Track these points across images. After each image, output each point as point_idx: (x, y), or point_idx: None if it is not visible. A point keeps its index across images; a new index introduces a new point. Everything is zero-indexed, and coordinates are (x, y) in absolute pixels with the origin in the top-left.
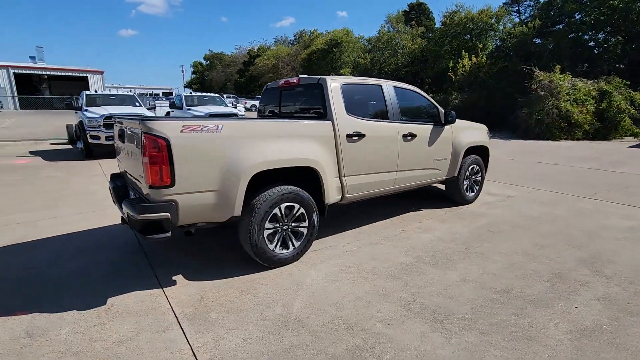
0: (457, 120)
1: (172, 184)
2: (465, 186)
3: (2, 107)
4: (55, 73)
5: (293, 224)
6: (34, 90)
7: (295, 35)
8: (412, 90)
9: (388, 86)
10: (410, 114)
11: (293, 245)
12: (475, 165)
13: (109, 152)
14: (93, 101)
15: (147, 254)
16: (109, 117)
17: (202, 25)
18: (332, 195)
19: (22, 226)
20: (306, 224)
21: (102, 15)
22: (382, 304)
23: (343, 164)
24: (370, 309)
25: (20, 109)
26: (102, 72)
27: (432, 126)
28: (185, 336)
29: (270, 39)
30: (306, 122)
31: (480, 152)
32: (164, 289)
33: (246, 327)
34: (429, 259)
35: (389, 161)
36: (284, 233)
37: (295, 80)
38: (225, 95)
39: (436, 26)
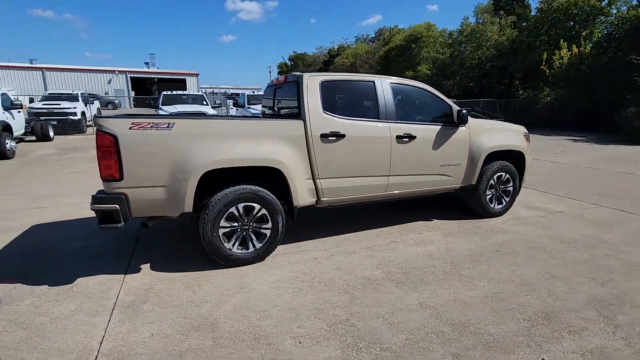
0: (481, 119)
1: (121, 178)
2: (488, 196)
3: (120, 105)
4: (161, 76)
5: (255, 225)
6: (147, 91)
7: (375, 33)
8: (418, 87)
9: (383, 83)
10: (412, 113)
11: (254, 246)
12: (503, 173)
13: None
14: (169, 100)
15: (137, 241)
16: (176, 114)
17: (293, 28)
18: (303, 197)
19: (68, 207)
20: (269, 225)
21: (207, 23)
22: (310, 319)
23: (317, 165)
24: (293, 323)
25: (135, 107)
26: (197, 75)
27: (439, 127)
28: (108, 323)
29: (352, 38)
30: (274, 121)
31: (513, 158)
32: (127, 275)
33: (163, 323)
34: (399, 276)
35: (378, 164)
36: (244, 233)
37: (283, 78)
38: None
39: (531, 14)
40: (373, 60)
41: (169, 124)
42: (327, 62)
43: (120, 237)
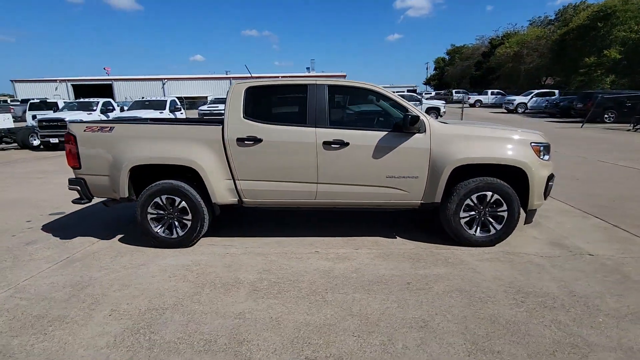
0: (463, 124)
1: (80, 167)
2: (464, 220)
3: None
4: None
5: (178, 215)
6: None
7: (556, 13)
8: (365, 89)
9: (318, 87)
10: (351, 117)
11: (177, 233)
12: (489, 193)
13: None
14: None
15: (130, 223)
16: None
17: (464, 18)
18: (222, 196)
19: None
20: (189, 217)
21: (375, 24)
22: (143, 300)
23: (235, 167)
24: (128, 299)
25: None
26: (344, 76)
27: (384, 133)
28: (43, 268)
29: (523, 23)
30: (195, 126)
31: (510, 174)
32: (98, 241)
33: (64, 276)
34: (265, 284)
35: (301, 170)
36: (170, 221)
37: None
38: (454, 91)
39: None
40: (544, 47)
41: (110, 127)
42: (487, 54)
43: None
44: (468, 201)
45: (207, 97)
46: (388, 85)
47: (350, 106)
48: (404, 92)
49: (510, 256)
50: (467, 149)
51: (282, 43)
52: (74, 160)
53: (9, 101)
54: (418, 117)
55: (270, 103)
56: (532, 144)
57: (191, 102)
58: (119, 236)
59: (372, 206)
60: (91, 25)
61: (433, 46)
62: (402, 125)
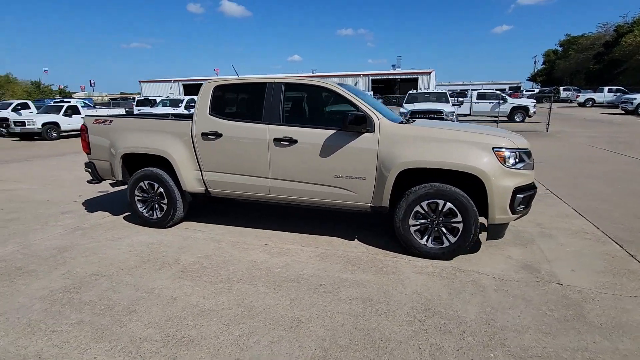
0: (423, 123)
1: (90, 153)
2: (415, 228)
3: None
4: (400, 77)
5: (157, 198)
6: (390, 91)
7: None
8: (322, 87)
9: (276, 85)
10: (304, 115)
11: (157, 214)
12: (440, 201)
13: None
14: (412, 98)
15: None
16: (414, 113)
17: (585, 3)
18: (191, 185)
19: None
20: (165, 201)
21: (478, 16)
22: (84, 266)
23: (200, 159)
24: (80, 264)
25: None
26: (429, 72)
27: (332, 132)
28: (56, 233)
29: None
30: (171, 120)
31: (470, 183)
32: (108, 216)
33: (52, 240)
34: (179, 267)
35: (256, 165)
36: (152, 203)
37: None
38: (562, 88)
39: None
40: None
41: (110, 120)
42: (610, 44)
43: None
44: (418, 208)
45: None
46: (487, 82)
47: (300, 105)
48: (505, 89)
49: (456, 272)
50: (416, 152)
51: (377, 41)
52: (87, 147)
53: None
54: (363, 116)
55: (233, 101)
56: (495, 149)
57: None
58: (126, 214)
59: (325, 206)
60: (206, 31)
61: (544, 38)
62: (342, 124)
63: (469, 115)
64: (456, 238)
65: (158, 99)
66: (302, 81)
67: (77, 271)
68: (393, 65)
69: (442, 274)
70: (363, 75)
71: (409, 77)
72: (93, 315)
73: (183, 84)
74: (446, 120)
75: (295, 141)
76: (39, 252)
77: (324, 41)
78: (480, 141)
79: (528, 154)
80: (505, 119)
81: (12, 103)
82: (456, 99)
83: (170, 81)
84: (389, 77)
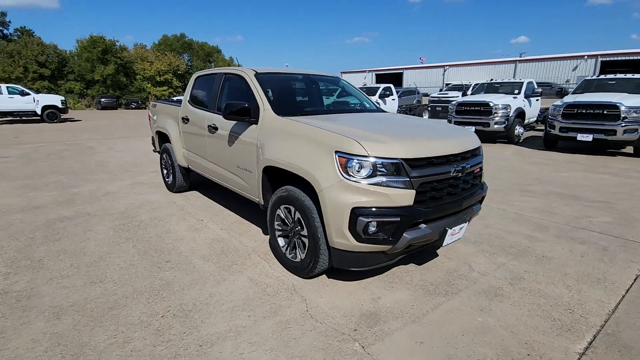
0: (317, 118)
1: (151, 129)
2: (278, 232)
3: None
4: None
5: (170, 168)
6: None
7: None
8: (239, 77)
9: (217, 75)
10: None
11: (167, 180)
12: (291, 207)
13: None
14: (588, 86)
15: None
16: (572, 106)
17: None
18: (180, 159)
19: None
20: (170, 171)
21: None
22: (59, 207)
23: (182, 139)
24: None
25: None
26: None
27: (235, 122)
28: (122, 184)
29: None
30: (173, 106)
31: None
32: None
33: (114, 187)
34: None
35: (201, 147)
36: (167, 170)
37: None
38: None
39: None
40: None
41: (156, 105)
42: None
43: None
44: (279, 212)
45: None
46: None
47: (231, 94)
48: None
49: (279, 291)
50: (276, 149)
51: None
52: (151, 124)
53: None
54: (246, 107)
55: (203, 90)
56: (338, 152)
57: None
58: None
59: (238, 193)
60: (424, 19)
61: None
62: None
63: None
64: (304, 254)
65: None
66: (229, 70)
67: (101, 205)
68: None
69: (266, 290)
70: (588, 56)
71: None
72: (48, 241)
73: (375, 74)
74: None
75: (217, 129)
76: (96, 194)
77: (560, 18)
78: (326, 141)
79: (401, 165)
80: None
81: None
82: None
83: (365, 71)
84: (622, 58)
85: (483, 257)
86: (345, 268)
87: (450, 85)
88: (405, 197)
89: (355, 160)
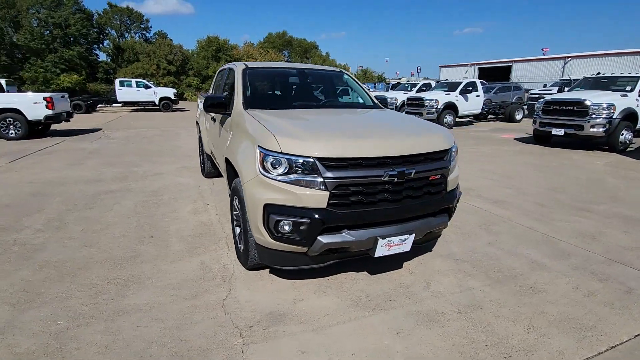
0: (258, 114)
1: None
2: (235, 223)
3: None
4: None
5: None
6: None
7: None
8: (232, 70)
9: (227, 69)
10: None
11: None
12: (237, 198)
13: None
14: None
15: None
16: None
17: None
18: (206, 147)
19: None
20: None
21: None
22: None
23: (207, 128)
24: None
25: None
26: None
27: (221, 114)
28: (169, 164)
29: None
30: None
31: None
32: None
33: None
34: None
35: (211, 137)
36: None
37: None
38: None
39: None
40: None
41: (201, 95)
42: None
43: None
44: (235, 202)
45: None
46: None
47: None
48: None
49: (202, 280)
50: (230, 140)
51: None
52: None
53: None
54: (221, 100)
55: (217, 82)
56: (259, 147)
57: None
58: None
59: None
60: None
61: None
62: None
63: None
64: (242, 245)
65: (433, 83)
66: (229, 65)
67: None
68: None
69: (206, 274)
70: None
71: None
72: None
73: (479, 68)
74: None
75: (215, 120)
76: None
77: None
78: (256, 136)
79: (314, 164)
80: None
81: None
82: None
83: (466, 65)
84: None
85: (452, 277)
86: (269, 264)
87: (561, 80)
88: (316, 198)
89: (270, 156)
